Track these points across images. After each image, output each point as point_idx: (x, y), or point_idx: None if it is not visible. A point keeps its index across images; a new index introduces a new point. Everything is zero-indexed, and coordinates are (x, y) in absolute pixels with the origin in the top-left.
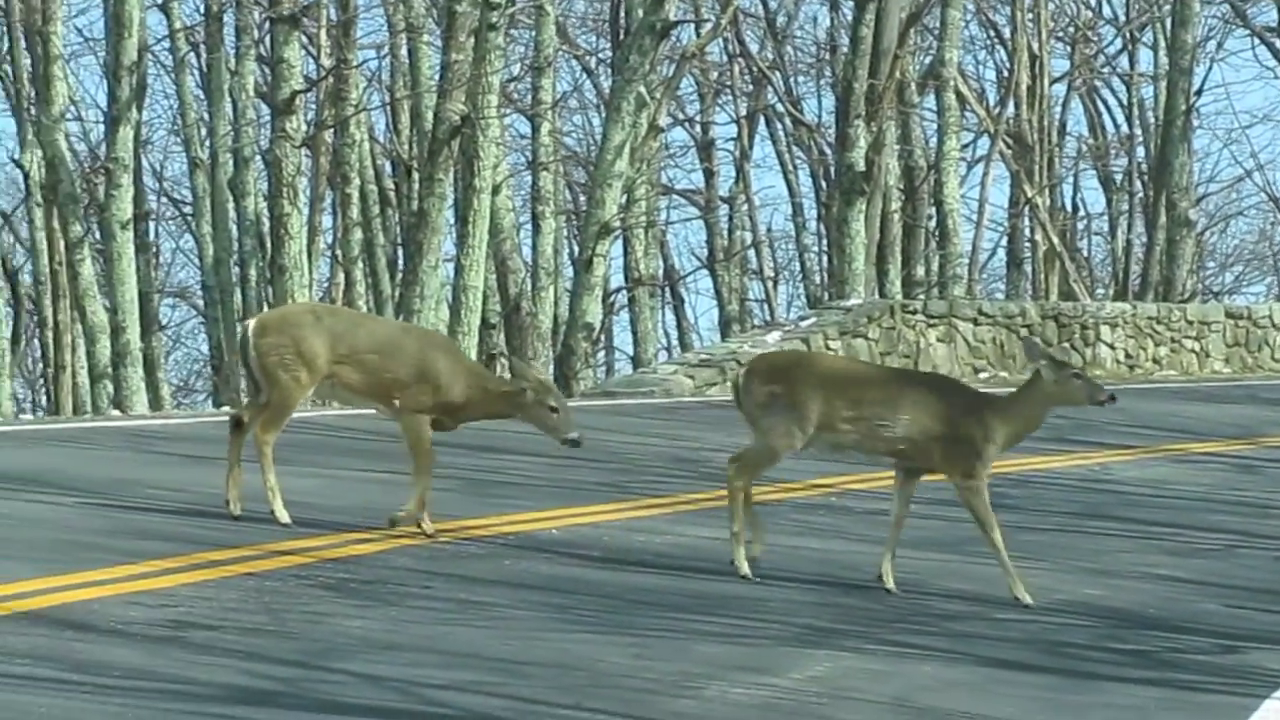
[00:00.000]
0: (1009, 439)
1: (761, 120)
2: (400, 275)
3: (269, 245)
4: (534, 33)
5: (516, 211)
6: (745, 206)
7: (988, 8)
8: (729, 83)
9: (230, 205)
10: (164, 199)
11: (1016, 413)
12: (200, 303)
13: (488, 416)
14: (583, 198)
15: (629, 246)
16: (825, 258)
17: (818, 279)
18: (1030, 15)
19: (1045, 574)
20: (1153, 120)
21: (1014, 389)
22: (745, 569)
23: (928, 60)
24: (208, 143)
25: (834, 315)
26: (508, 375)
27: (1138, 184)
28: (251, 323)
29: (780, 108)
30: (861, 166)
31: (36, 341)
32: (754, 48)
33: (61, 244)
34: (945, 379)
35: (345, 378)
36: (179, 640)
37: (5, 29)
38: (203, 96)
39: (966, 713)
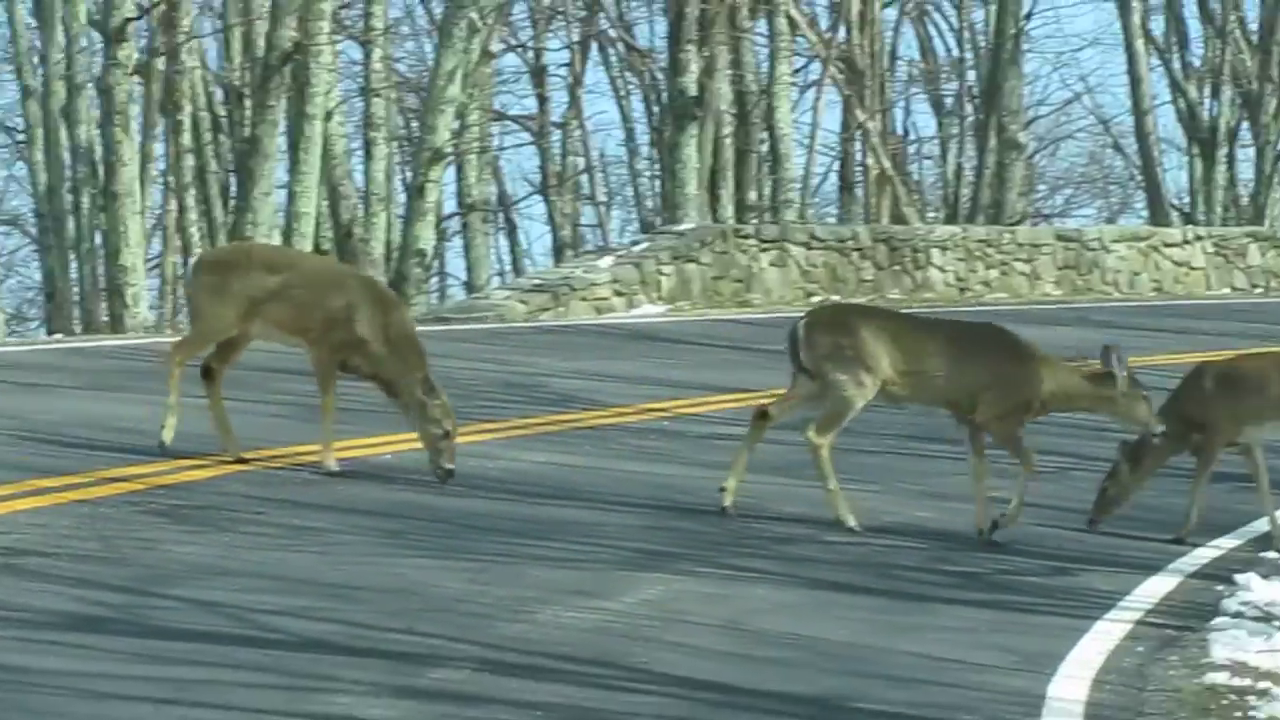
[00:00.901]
0: (1050, 401)
1: (594, 46)
2: (233, 202)
3: (102, 173)
4: None
5: (349, 138)
6: (578, 132)
7: None
8: (561, 8)
9: (63, 133)
10: None
11: (1071, 388)
12: (33, 230)
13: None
14: (415, 124)
15: (461, 172)
16: (658, 183)
17: (650, 204)
18: None
19: (876, 496)
20: (983, 44)
21: (1077, 366)
22: (852, 520)
23: None
24: (40, 71)
25: (667, 240)
26: None
27: (968, 108)
28: (193, 259)
29: (612, 33)
30: (693, 92)
31: None
32: None
33: None
34: (999, 330)
35: (272, 315)
36: (12, 567)
37: None
38: (35, 24)
39: (798, 635)
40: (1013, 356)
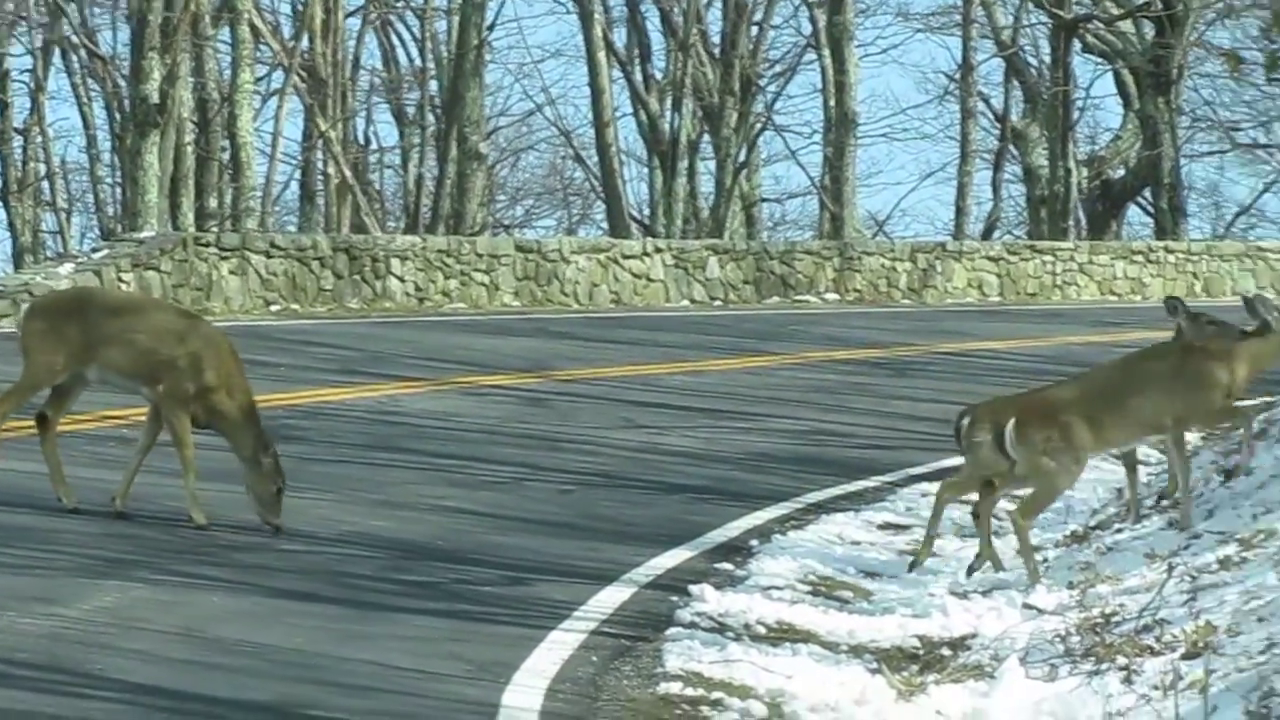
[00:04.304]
0: (1246, 380)
1: (57, 51)
2: None
3: None
4: None
5: None
6: (39, 138)
7: None
8: (24, 14)
9: None
10: None
11: (1256, 356)
12: None
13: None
14: None
15: None
16: (119, 190)
17: (111, 211)
18: None
19: (332, 505)
20: (446, 54)
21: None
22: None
23: None
24: None
25: (127, 247)
26: None
27: (430, 117)
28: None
29: (75, 39)
30: (155, 99)
31: None
32: None
33: None
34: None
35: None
36: None
37: None
38: None
39: (252, 642)
40: (1195, 356)
